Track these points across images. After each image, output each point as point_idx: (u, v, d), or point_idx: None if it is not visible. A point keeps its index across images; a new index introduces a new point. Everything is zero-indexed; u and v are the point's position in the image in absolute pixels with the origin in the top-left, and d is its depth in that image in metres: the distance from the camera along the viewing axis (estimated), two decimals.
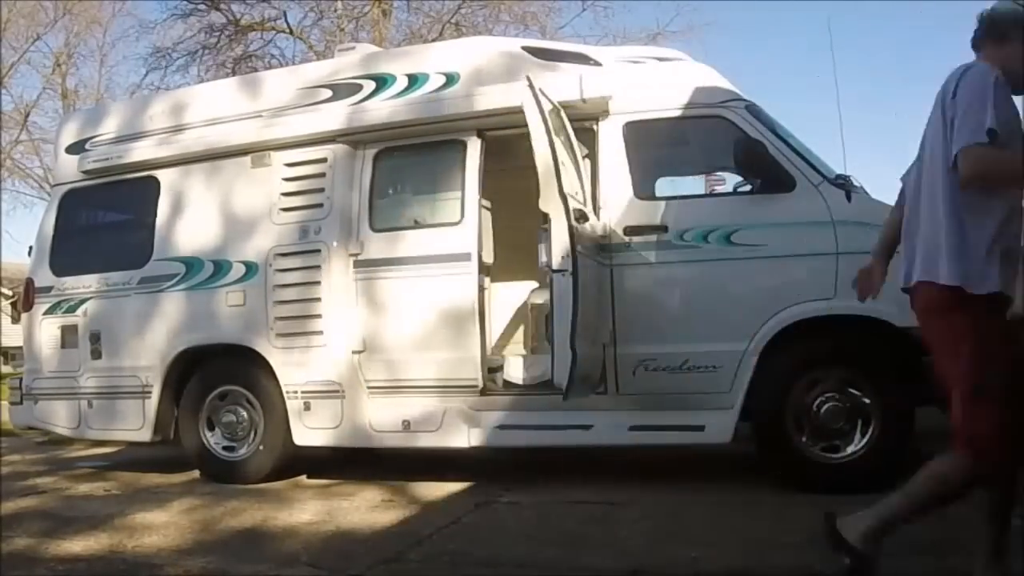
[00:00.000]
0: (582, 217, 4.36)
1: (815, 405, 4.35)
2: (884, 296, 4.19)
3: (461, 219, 4.89)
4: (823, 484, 4.25)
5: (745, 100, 4.68)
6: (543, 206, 4.21)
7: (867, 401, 4.29)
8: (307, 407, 5.09)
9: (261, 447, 5.29)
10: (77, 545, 3.81)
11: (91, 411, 5.68)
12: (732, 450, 4.75)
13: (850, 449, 4.31)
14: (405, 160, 5.22)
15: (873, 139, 35.73)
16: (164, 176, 5.65)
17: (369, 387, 5.03)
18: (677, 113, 4.70)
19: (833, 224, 4.36)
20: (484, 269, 5.02)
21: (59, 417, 5.84)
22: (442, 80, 5.03)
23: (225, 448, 5.42)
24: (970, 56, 2.65)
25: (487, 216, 5.24)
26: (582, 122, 4.80)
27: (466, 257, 4.82)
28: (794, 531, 3.54)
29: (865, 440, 4.28)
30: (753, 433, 4.49)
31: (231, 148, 5.42)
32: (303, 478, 5.40)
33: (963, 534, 3.28)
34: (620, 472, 5.23)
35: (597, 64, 4.99)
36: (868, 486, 4.16)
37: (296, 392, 5.11)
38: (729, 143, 4.49)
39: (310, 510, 4.48)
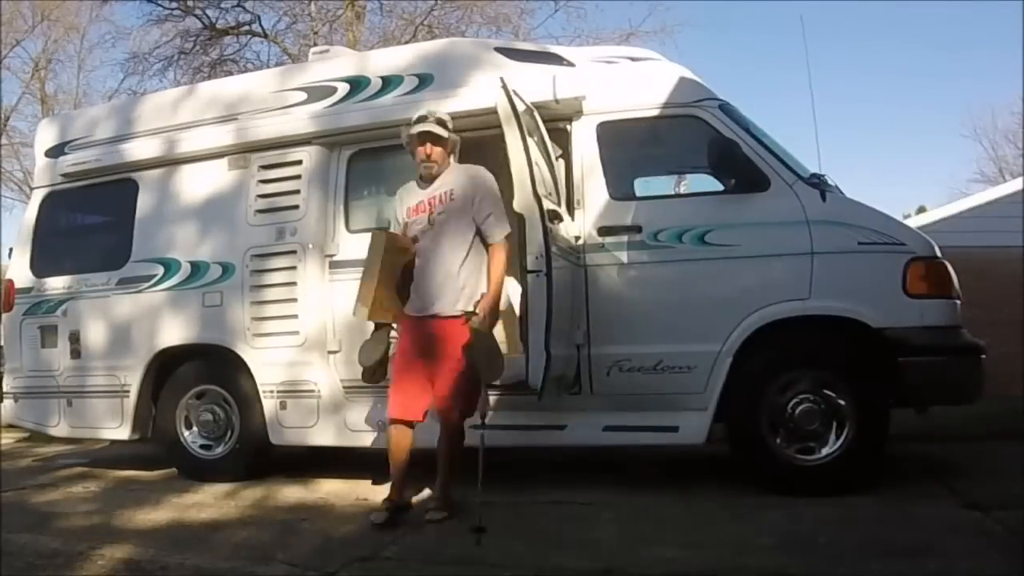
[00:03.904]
0: (556, 218, 4.36)
1: (790, 406, 4.33)
2: (859, 296, 4.27)
3: None
4: (798, 486, 4.24)
5: (719, 99, 4.66)
6: (517, 207, 4.20)
7: (842, 402, 4.27)
8: (283, 406, 5.12)
9: (238, 446, 5.32)
10: (55, 542, 3.84)
11: (71, 409, 5.72)
12: (707, 451, 4.75)
13: (825, 451, 4.29)
14: (380, 162, 5.22)
15: (849, 136, 35.98)
16: (142, 178, 5.68)
17: (345, 387, 5.04)
18: (651, 113, 4.69)
19: (808, 224, 4.34)
20: None
21: (40, 415, 5.89)
22: (416, 82, 5.03)
23: (202, 446, 5.45)
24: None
25: None
26: (556, 122, 4.79)
27: None
28: (768, 532, 3.56)
29: (840, 442, 4.26)
30: (728, 434, 4.48)
31: (208, 150, 5.45)
32: (279, 477, 5.39)
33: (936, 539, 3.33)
34: (594, 472, 5.22)
35: (570, 64, 4.99)
36: (843, 488, 4.18)
37: (272, 392, 5.14)
38: (703, 143, 4.48)
39: (285, 508, 4.52)
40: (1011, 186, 11.64)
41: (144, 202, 5.64)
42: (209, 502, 4.70)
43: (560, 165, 4.81)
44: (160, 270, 5.46)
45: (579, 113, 4.78)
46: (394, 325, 4.22)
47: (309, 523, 4.11)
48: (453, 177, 4.12)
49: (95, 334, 5.63)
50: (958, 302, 4.42)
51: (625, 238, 4.61)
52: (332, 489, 4.94)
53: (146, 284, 5.49)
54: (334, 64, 5.44)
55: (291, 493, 4.91)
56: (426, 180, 4.15)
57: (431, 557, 3.43)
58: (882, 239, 4.30)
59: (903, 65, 44.19)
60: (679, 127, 4.70)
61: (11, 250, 6.19)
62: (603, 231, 4.64)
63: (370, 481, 5.05)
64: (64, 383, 5.72)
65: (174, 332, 5.40)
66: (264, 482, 5.21)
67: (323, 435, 5.07)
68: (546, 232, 4.06)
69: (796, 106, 42.21)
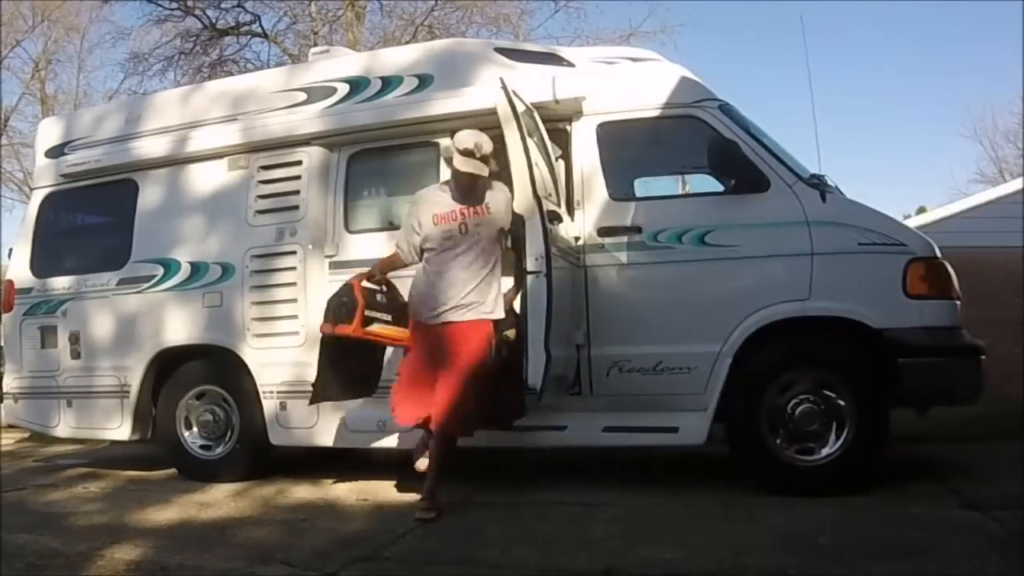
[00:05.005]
0: (556, 218, 4.36)
1: (790, 407, 4.32)
2: (859, 297, 4.27)
3: None
4: (798, 486, 4.24)
5: (719, 100, 4.65)
6: (517, 208, 4.20)
7: (842, 403, 4.27)
8: (283, 407, 5.12)
9: (238, 446, 5.33)
10: (56, 542, 3.85)
11: (71, 410, 5.73)
12: (707, 452, 4.75)
13: (825, 451, 4.29)
14: (380, 162, 5.24)
15: (849, 136, 35.98)
16: (142, 179, 5.68)
17: None
18: (651, 113, 4.69)
19: (807, 224, 4.34)
20: None
21: (40, 416, 5.90)
22: (416, 82, 5.04)
23: (202, 447, 5.46)
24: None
25: None
26: (555, 123, 4.79)
27: None
28: (768, 532, 3.56)
29: (840, 442, 4.26)
30: (727, 435, 4.47)
31: (208, 151, 5.45)
32: (278, 477, 5.39)
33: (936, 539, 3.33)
34: (594, 473, 5.23)
35: (570, 65, 5.00)
36: (843, 488, 4.18)
37: (272, 392, 5.15)
38: (703, 143, 4.48)
39: (286, 508, 4.52)
40: (1011, 186, 11.66)
41: (144, 202, 5.65)
42: (209, 502, 4.71)
43: (560, 165, 4.81)
44: (160, 270, 5.47)
45: (579, 113, 4.77)
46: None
47: (309, 523, 4.12)
48: (491, 194, 4.20)
49: (95, 334, 5.64)
50: (958, 302, 4.41)
51: (625, 239, 4.61)
52: (331, 490, 4.95)
53: (146, 284, 5.49)
54: (334, 64, 5.44)
55: (292, 493, 4.91)
56: (459, 192, 4.17)
57: (431, 557, 3.43)
58: (882, 239, 4.30)
59: (903, 65, 44.12)
60: (679, 128, 4.69)
61: (11, 250, 6.20)
62: (603, 232, 4.64)
63: (369, 482, 5.05)
64: (64, 383, 5.73)
65: (174, 332, 5.41)
66: (264, 482, 5.21)
67: (323, 435, 5.07)
68: (546, 233, 4.06)
69: (796, 106, 42.22)
